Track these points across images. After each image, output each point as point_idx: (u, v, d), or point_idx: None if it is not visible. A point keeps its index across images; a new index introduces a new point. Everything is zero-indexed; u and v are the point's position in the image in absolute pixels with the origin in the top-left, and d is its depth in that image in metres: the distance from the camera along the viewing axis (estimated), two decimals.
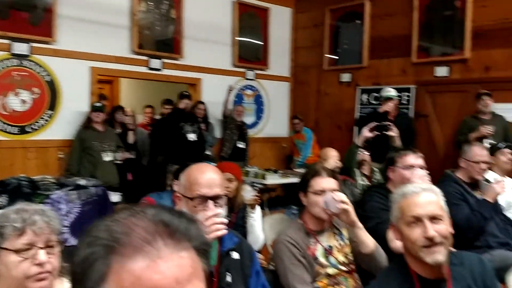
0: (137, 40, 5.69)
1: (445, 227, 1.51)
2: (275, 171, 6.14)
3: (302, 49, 7.39)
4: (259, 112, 7.23)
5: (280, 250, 2.02)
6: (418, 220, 1.51)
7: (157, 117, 6.72)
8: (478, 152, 3.10)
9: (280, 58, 7.33)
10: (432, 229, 1.47)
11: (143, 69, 5.84)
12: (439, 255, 1.46)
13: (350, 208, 2.00)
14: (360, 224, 2.04)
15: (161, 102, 6.53)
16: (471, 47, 5.51)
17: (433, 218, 1.50)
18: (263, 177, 5.61)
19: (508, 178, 3.81)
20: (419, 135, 5.63)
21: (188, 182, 1.63)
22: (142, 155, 5.78)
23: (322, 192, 2.05)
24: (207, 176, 1.62)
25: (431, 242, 1.47)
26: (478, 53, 5.48)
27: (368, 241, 2.03)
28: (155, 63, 5.89)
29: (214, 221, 1.52)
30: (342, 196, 2.02)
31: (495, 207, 2.97)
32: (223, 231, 1.54)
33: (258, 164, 6.52)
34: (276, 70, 7.31)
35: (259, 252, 2.88)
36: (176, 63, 6.09)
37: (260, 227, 2.92)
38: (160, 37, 5.94)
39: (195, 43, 6.20)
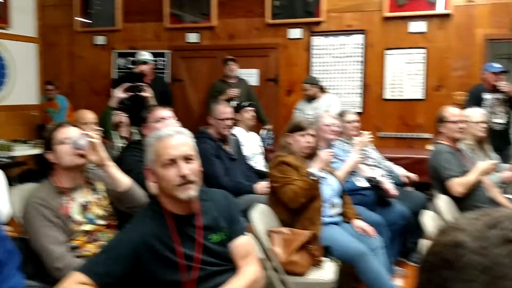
0: None
1: (196, 166, 1.64)
2: (25, 142, 5.52)
3: (50, 8, 6.69)
4: (1, 76, 6.30)
5: (29, 214, 1.86)
6: (173, 161, 1.58)
7: None
8: (223, 110, 3.47)
9: (24, 16, 6.47)
10: (186, 168, 1.58)
11: None
12: (192, 191, 1.59)
13: (98, 142, 1.99)
14: (111, 162, 2.03)
15: None
16: (218, 15, 5.96)
17: (186, 158, 1.60)
18: (9, 149, 5.00)
19: (252, 133, 4.37)
20: (175, 99, 5.84)
21: None
22: None
23: (67, 139, 1.96)
24: None
25: (185, 180, 1.57)
26: (224, 21, 5.96)
27: (122, 178, 2.03)
28: None
29: None
30: (87, 132, 2.01)
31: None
32: None
33: (4, 135, 5.73)
34: (20, 29, 6.44)
35: (7, 224, 2.58)
36: None
37: (4, 199, 2.60)
38: None
39: None
